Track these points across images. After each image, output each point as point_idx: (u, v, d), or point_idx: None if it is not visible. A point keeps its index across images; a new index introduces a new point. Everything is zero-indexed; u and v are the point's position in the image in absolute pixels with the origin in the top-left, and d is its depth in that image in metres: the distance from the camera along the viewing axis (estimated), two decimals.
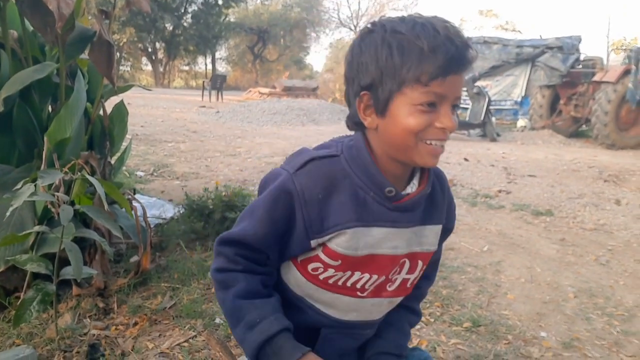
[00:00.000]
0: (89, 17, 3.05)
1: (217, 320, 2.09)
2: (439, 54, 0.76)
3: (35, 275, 2.11)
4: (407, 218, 0.89)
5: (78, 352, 1.92)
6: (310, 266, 0.91)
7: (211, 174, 5.29)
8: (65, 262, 1.86)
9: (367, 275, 0.90)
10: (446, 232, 1.01)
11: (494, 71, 13.97)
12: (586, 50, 14.36)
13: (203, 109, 13.87)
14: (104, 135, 2.85)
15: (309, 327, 0.94)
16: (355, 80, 0.85)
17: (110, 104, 2.83)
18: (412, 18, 0.80)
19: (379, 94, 0.81)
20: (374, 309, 0.97)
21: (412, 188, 0.90)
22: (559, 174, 6.32)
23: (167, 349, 1.92)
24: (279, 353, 0.84)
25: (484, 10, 28.86)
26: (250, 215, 0.90)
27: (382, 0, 34.77)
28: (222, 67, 36.73)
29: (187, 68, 36.50)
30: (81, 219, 2.46)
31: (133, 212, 2.52)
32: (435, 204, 0.95)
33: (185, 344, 1.94)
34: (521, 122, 12.56)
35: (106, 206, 1.92)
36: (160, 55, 31.83)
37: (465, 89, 10.92)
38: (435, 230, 0.95)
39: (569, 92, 11.08)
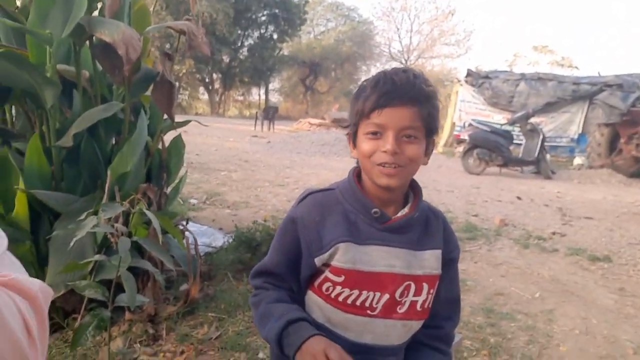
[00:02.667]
0: (152, 49, 3.24)
1: (260, 355, 2.11)
2: (376, 91, 0.93)
3: (91, 299, 2.22)
4: (397, 239, 1.00)
5: None
6: (324, 287, 1.02)
7: (260, 204, 5.40)
8: (120, 287, 1.95)
9: (372, 294, 0.99)
10: (450, 262, 1.07)
11: (548, 108, 13.64)
12: None
13: (255, 138, 14.24)
14: (161, 167, 3.00)
15: None
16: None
17: (169, 136, 2.98)
18: (385, 70, 0.98)
19: (352, 131, 1.01)
20: (390, 332, 1.02)
21: (402, 212, 1.02)
22: (618, 217, 6.02)
23: None
24: (298, 332, 0.95)
25: (538, 46, 28.24)
26: (270, 248, 1.09)
27: (434, 35, 34.86)
28: (274, 98, 37.71)
29: (241, 98, 37.70)
30: (136, 246, 2.58)
31: (185, 242, 2.62)
32: (430, 231, 1.05)
33: None
34: (578, 160, 12.10)
35: (160, 239, 2.01)
36: (216, 85, 33.12)
37: (518, 125, 10.70)
38: (435, 254, 1.03)
39: (630, 131, 10.60)
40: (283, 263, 1.05)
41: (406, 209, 1.02)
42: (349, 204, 1.01)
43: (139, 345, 2.21)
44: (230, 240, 3.31)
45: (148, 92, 2.85)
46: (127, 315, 2.38)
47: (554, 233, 4.92)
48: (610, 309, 3.06)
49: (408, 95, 0.92)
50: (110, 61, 2.54)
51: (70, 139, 2.35)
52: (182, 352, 2.17)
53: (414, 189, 1.06)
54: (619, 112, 10.90)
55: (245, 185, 6.48)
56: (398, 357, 1.06)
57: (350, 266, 0.98)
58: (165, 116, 2.85)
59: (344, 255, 0.98)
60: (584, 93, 13.35)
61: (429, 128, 0.96)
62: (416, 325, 1.06)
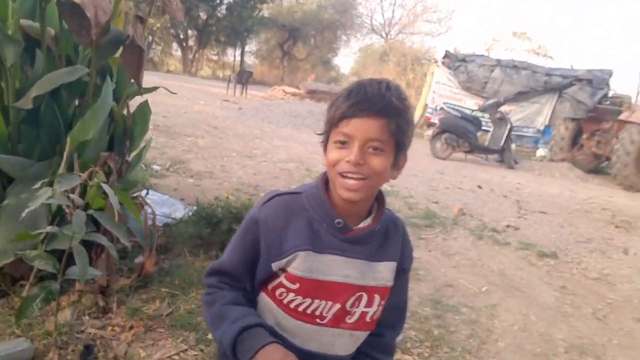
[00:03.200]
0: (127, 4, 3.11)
1: (210, 336, 2.15)
2: (347, 100, 0.93)
3: None
4: (357, 250, 1.01)
5: (73, 351, 1.99)
6: (277, 292, 1.03)
7: (225, 175, 5.36)
8: (72, 257, 1.93)
9: (323, 302, 1.01)
10: (402, 272, 1.09)
11: (519, 97, 13.87)
12: (616, 86, 14.11)
13: (226, 103, 13.99)
14: (125, 134, 2.93)
15: None
16: None
17: (135, 100, 2.91)
18: (361, 79, 0.99)
19: (324, 139, 1.01)
20: (336, 341, 1.04)
21: (364, 224, 1.03)
22: (570, 214, 6.28)
23: None
24: (253, 338, 0.95)
25: (517, 32, 28.47)
26: (229, 247, 1.08)
27: (416, 11, 34.64)
28: (250, 60, 36.92)
29: (215, 58, 36.72)
30: (92, 218, 2.54)
31: (142, 216, 2.59)
32: (389, 243, 1.06)
33: (176, 357, 2.00)
34: (541, 152, 12.45)
35: (117, 216, 1.99)
36: (191, 42, 32.13)
37: (488, 112, 10.88)
38: (389, 266, 1.05)
39: (593, 127, 10.94)
40: (242, 263, 1.05)
41: (369, 220, 1.03)
42: (314, 212, 1.01)
43: (87, 317, 2.21)
44: (191, 214, 3.29)
45: (116, 55, 2.76)
46: (78, 285, 2.36)
47: (508, 226, 5.10)
48: (550, 306, 3.22)
49: (376, 107, 0.91)
50: (78, 21, 2.42)
51: (30, 101, 2.26)
52: (132, 327, 2.18)
53: (378, 200, 1.05)
54: (586, 107, 11.20)
55: (212, 153, 6.40)
56: None
57: (307, 275, 0.99)
58: (133, 81, 2.77)
59: (302, 264, 0.98)
60: (555, 85, 13.61)
61: (399, 142, 0.96)
62: (363, 335, 1.08)
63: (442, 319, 2.74)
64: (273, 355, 0.91)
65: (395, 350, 1.17)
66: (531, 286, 3.53)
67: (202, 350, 2.07)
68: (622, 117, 10.00)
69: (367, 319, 1.05)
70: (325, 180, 1.04)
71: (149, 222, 2.67)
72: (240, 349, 0.95)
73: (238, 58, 34.65)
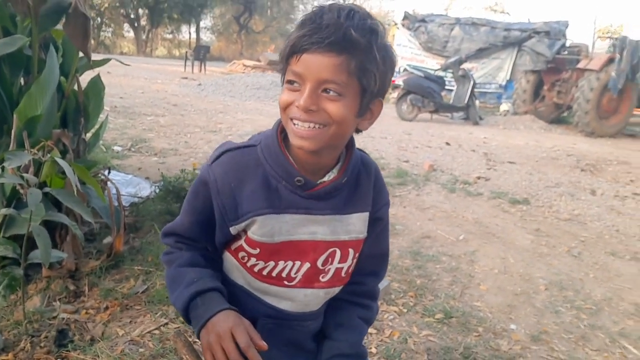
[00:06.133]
0: None
1: None
2: (299, 30, 0.78)
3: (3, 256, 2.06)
4: (322, 206, 0.91)
5: (46, 337, 1.89)
6: (240, 254, 0.95)
7: (190, 151, 5.21)
8: (35, 242, 1.81)
9: (290, 263, 0.92)
10: (377, 221, 0.99)
11: (480, 53, 13.94)
12: (572, 36, 14.36)
13: (185, 80, 13.59)
14: (78, 111, 2.77)
15: (250, 318, 0.91)
16: None
17: (87, 77, 2.74)
18: (324, 5, 0.81)
19: (282, 77, 0.85)
20: (310, 300, 0.98)
21: (329, 177, 0.91)
22: (537, 162, 6.39)
23: (138, 336, 1.90)
24: (206, 304, 0.86)
25: None
26: (181, 210, 0.98)
27: None
28: (206, 37, 35.95)
29: (170, 36, 35.62)
30: (52, 199, 2.40)
31: (106, 195, 2.46)
32: (359, 192, 0.95)
33: (156, 332, 1.93)
34: (504, 107, 12.59)
35: (76, 190, 1.86)
36: (143, 22, 30.98)
37: (451, 71, 10.89)
38: (361, 217, 0.96)
39: (553, 78, 11.12)
40: (195, 227, 0.95)
41: (334, 172, 0.91)
42: (270, 167, 0.89)
43: (58, 303, 2.10)
44: (158, 190, 3.17)
45: (59, 26, 2.58)
46: (45, 271, 2.24)
47: (478, 177, 5.15)
48: (526, 248, 3.27)
49: (329, 40, 0.75)
50: None
51: None
52: (107, 308, 2.09)
53: (348, 148, 0.93)
54: (545, 59, 11.34)
55: (174, 131, 6.20)
56: (317, 321, 1.03)
57: (268, 239, 0.90)
58: (82, 54, 2.60)
59: (261, 229, 0.89)
60: (514, 39, 13.72)
61: (364, 85, 0.79)
62: (338, 290, 1.02)
63: (423, 269, 2.74)
64: (222, 323, 0.82)
65: (378, 295, 1.11)
66: (506, 231, 3.57)
67: (183, 323, 2.00)
68: (580, 65, 10.19)
69: (342, 274, 0.98)
70: (282, 129, 0.89)
71: (114, 202, 2.54)
72: (193, 315, 0.88)
73: (194, 35, 33.65)
